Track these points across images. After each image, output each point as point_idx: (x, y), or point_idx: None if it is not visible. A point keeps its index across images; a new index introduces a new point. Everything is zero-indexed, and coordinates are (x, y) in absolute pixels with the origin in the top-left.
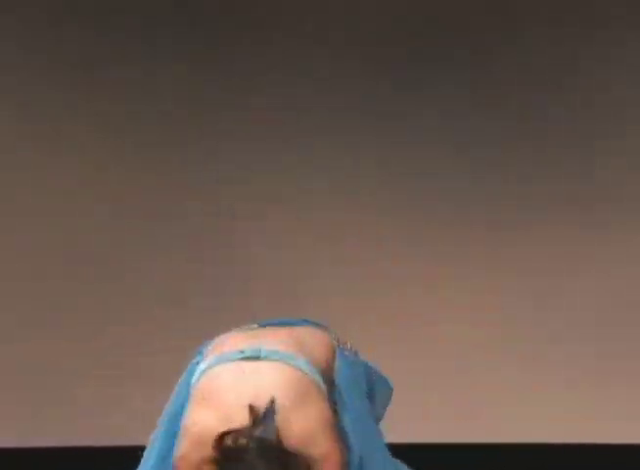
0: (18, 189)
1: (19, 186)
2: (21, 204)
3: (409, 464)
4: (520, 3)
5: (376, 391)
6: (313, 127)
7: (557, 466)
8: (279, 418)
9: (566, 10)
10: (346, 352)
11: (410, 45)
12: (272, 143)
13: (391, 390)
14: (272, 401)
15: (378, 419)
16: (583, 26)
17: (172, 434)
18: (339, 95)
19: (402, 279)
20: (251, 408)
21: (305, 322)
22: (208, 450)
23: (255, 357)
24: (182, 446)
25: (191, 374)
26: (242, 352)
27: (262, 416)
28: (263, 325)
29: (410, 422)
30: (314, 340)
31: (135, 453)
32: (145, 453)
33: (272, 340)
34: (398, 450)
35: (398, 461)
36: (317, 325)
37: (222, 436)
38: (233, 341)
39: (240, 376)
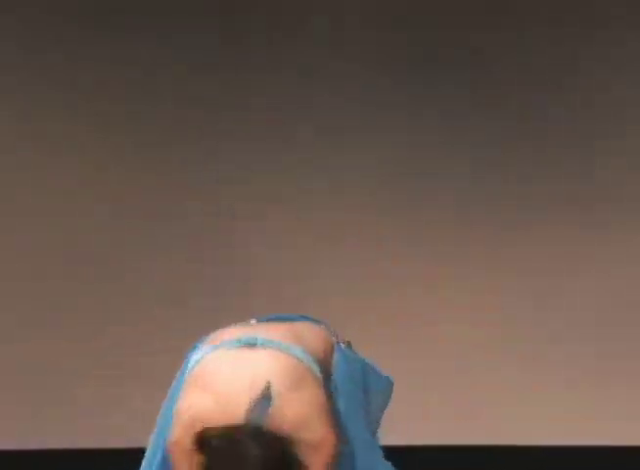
0: (18, 189)
1: (19, 186)
2: (21, 204)
3: (409, 465)
4: (520, 3)
5: (371, 388)
6: (313, 127)
7: (557, 468)
8: (274, 403)
9: (566, 10)
10: (344, 347)
11: (410, 45)
12: (272, 143)
13: (392, 384)
14: (267, 387)
15: (375, 416)
16: (583, 26)
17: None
18: (339, 95)
19: (402, 279)
20: (249, 393)
21: (304, 318)
22: (204, 434)
23: (251, 345)
24: (175, 431)
25: (186, 366)
26: (238, 340)
27: (257, 401)
28: (261, 321)
29: (410, 422)
30: (312, 334)
31: (135, 455)
32: (147, 453)
33: (268, 331)
34: (399, 452)
35: (389, 464)
36: (316, 321)
37: (216, 421)
38: (229, 332)
39: (235, 362)
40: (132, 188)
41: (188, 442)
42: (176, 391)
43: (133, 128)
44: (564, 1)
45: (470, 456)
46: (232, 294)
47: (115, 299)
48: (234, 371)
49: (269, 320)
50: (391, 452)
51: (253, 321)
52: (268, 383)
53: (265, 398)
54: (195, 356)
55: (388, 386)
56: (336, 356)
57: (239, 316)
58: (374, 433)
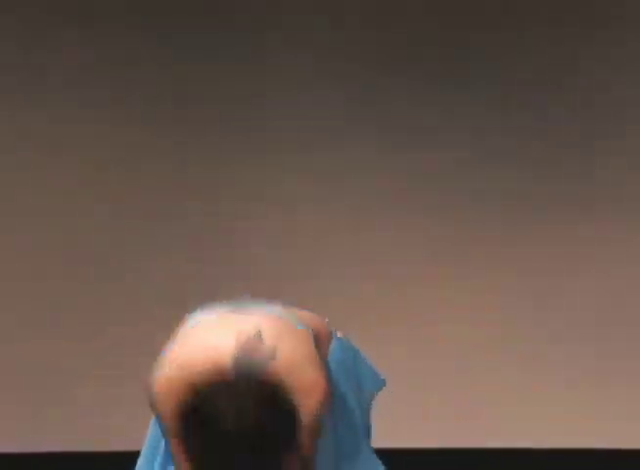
0: (18, 189)
1: (19, 186)
2: (21, 204)
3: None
4: (520, 3)
5: (362, 376)
6: (314, 128)
7: None
8: (263, 349)
9: (566, 10)
10: (340, 335)
11: (409, 46)
12: (272, 143)
13: (383, 382)
14: (257, 334)
15: (366, 404)
16: (583, 26)
17: None
18: (339, 96)
19: (402, 279)
20: (237, 337)
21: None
22: (192, 376)
23: (243, 308)
24: (164, 370)
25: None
26: (229, 304)
27: (247, 347)
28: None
29: (410, 422)
30: (310, 315)
31: (135, 456)
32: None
33: (263, 302)
34: (399, 454)
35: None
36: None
37: (205, 368)
38: (223, 303)
39: (225, 319)
40: (132, 188)
41: (177, 381)
42: None
43: (133, 128)
44: (564, 1)
45: (470, 459)
46: (232, 294)
47: (115, 299)
48: (224, 325)
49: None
50: (392, 454)
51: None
52: (258, 331)
53: (255, 343)
54: (189, 323)
55: (377, 379)
56: (333, 343)
57: None
58: (366, 422)
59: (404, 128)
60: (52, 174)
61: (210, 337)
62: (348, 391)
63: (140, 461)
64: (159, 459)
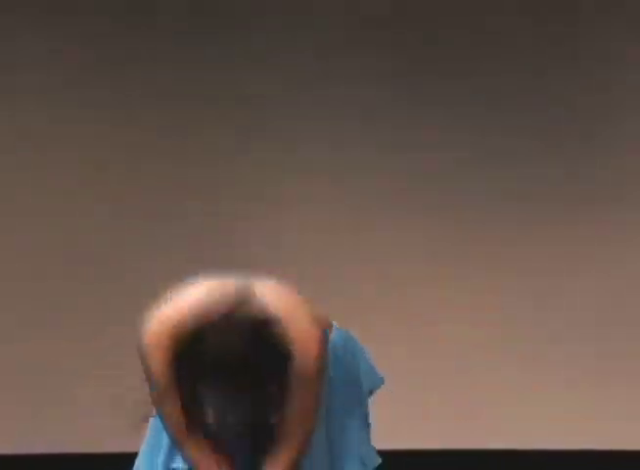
0: (18, 189)
1: (19, 186)
2: (21, 204)
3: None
4: (520, 3)
5: (361, 368)
6: (314, 128)
7: None
8: (257, 297)
9: (566, 10)
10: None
11: (410, 46)
12: (272, 143)
13: (381, 380)
14: (250, 283)
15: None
16: (583, 26)
17: None
18: (339, 96)
19: (402, 279)
20: (227, 285)
21: None
22: (181, 322)
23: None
24: (154, 322)
25: None
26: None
27: (240, 291)
28: None
29: (410, 422)
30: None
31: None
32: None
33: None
34: (399, 455)
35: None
36: None
37: (196, 308)
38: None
39: (218, 278)
40: (132, 188)
41: (165, 333)
42: None
43: (133, 128)
44: (564, 1)
45: (470, 459)
46: None
47: (115, 299)
48: (215, 281)
49: None
50: (392, 455)
51: None
52: (251, 282)
53: (247, 289)
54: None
55: (375, 377)
56: (334, 332)
57: None
58: (364, 413)
59: (404, 128)
60: (52, 174)
61: (201, 288)
62: (344, 379)
63: (138, 461)
64: (161, 457)
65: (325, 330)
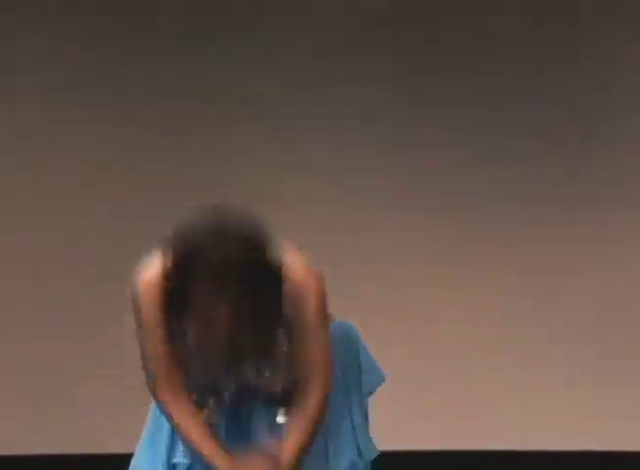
0: (18, 189)
1: (19, 186)
2: (21, 203)
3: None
4: (520, 3)
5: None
6: (314, 128)
7: None
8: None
9: (566, 9)
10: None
11: (410, 46)
12: (272, 143)
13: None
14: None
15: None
16: (584, 26)
17: None
18: (339, 96)
19: (402, 279)
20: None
21: None
22: (175, 263)
23: None
24: (148, 269)
25: None
26: None
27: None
28: None
29: (410, 422)
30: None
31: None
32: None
33: None
34: (398, 456)
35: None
36: None
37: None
38: None
39: None
40: (132, 188)
41: (159, 275)
42: None
43: (133, 128)
44: (564, 1)
45: (469, 460)
46: None
47: (115, 299)
48: None
49: None
50: (392, 456)
51: None
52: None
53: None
54: None
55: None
56: (335, 323)
57: None
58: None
59: (404, 128)
60: (52, 174)
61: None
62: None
63: (139, 447)
64: (163, 450)
65: (322, 277)
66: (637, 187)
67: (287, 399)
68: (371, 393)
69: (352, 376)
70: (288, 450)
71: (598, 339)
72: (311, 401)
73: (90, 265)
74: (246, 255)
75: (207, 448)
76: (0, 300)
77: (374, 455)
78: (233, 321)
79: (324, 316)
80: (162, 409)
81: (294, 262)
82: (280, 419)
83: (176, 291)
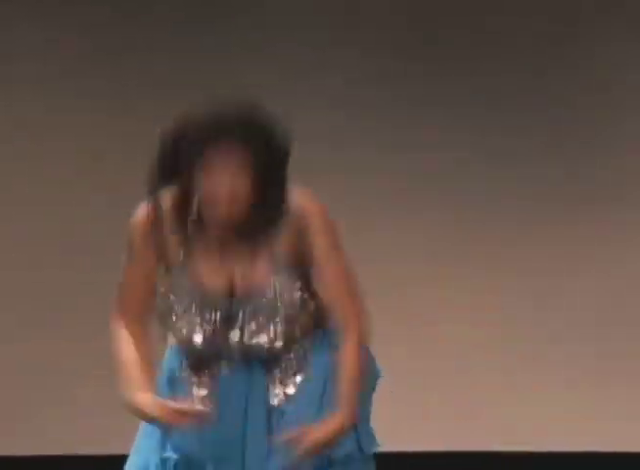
0: (14, 179)
1: (15, 176)
2: (17, 193)
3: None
4: (520, 3)
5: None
6: (313, 128)
7: None
8: None
9: (566, 9)
10: None
11: (410, 46)
12: None
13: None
14: None
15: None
16: (584, 26)
17: None
18: (339, 95)
19: (402, 279)
20: None
21: None
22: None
23: None
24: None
25: None
26: None
27: None
28: None
29: (410, 422)
30: None
31: None
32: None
33: None
34: (398, 457)
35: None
36: None
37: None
38: None
39: None
40: (129, 178)
41: (150, 215)
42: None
43: (130, 118)
44: (565, 1)
45: (470, 461)
46: None
47: (113, 289)
48: None
49: None
50: (391, 457)
51: None
52: None
53: None
54: None
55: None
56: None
57: None
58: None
59: (404, 128)
60: (48, 164)
61: None
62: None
63: (138, 438)
64: (154, 444)
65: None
66: (637, 187)
67: (284, 354)
68: (373, 388)
69: None
70: (342, 396)
71: (598, 339)
72: (349, 332)
73: (87, 255)
74: (249, 112)
75: (128, 373)
76: (0, 300)
77: (375, 449)
78: (238, 179)
79: (335, 239)
80: (111, 334)
81: (298, 191)
82: (275, 401)
83: (178, 158)
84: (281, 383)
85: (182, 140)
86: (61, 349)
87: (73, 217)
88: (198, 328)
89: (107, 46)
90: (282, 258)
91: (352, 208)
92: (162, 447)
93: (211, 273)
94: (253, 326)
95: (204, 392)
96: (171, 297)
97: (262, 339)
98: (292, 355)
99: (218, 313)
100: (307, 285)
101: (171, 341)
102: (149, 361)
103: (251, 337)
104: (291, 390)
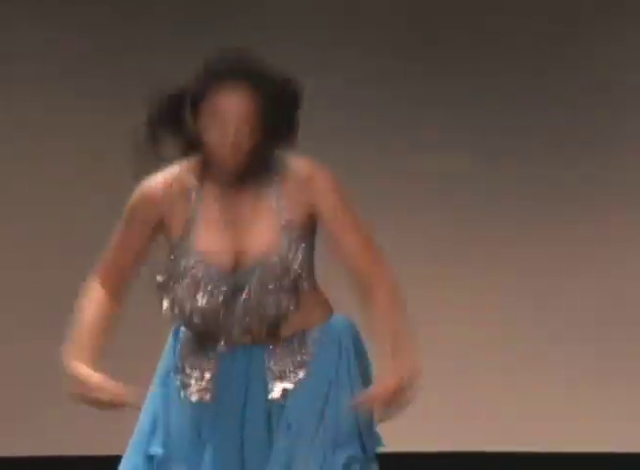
0: (14, 179)
1: (15, 176)
2: (17, 193)
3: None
4: (520, 3)
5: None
6: (314, 128)
7: None
8: None
9: (566, 9)
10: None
11: (410, 46)
12: None
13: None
14: None
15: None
16: (583, 26)
17: None
18: (339, 96)
19: (402, 279)
20: None
21: None
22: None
23: None
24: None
25: None
26: None
27: None
28: None
29: (410, 422)
30: None
31: None
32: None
33: None
34: (398, 457)
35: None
36: None
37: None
38: None
39: None
40: (129, 178)
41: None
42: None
43: (130, 118)
44: (565, 1)
45: (469, 461)
46: None
47: None
48: None
49: None
50: (391, 457)
51: None
52: None
53: None
54: None
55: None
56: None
57: None
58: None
59: (404, 128)
60: (48, 164)
61: None
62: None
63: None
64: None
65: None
66: (637, 187)
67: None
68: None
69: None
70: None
71: (598, 339)
72: (379, 285)
73: (87, 255)
74: (257, 62)
75: (78, 335)
76: (0, 300)
77: (379, 448)
78: (244, 116)
79: (345, 195)
80: (83, 290)
81: (304, 157)
82: (275, 394)
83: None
84: (280, 378)
85: (185, 87)
86: (61, 349)
87: (73, 217)
88: (200, 299)
89: (107, 46)
90: (287, 220)
91: None
92: (148, 443)
93: (215, 243)
94: (259, 289)
95: (200, 385)
96: (175, 267)
97: (268, 302)
98: (294, 340)
99: (223, 283)
100: (311, 249)
101: (174, 316)
102: (103, 330)
103: (256, 301)
104: (289, 385)
